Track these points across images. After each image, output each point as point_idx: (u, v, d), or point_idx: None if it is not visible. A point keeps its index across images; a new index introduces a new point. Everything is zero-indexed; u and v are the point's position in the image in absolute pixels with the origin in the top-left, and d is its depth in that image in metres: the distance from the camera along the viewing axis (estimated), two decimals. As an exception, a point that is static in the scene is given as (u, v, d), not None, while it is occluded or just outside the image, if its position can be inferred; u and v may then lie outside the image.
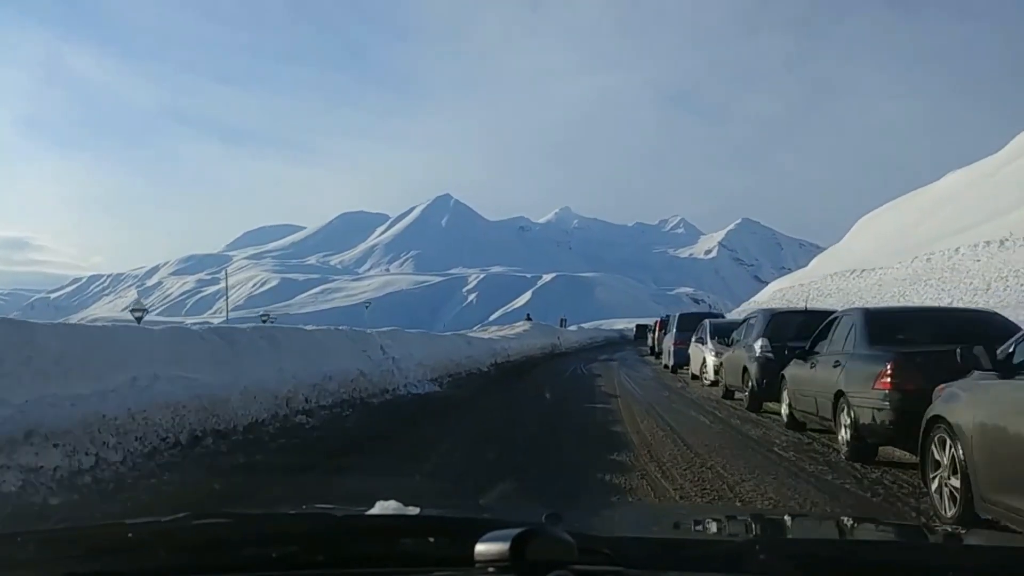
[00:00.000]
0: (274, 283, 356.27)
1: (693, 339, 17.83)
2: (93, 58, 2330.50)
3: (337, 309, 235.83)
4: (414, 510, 1.41)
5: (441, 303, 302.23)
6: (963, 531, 2.12)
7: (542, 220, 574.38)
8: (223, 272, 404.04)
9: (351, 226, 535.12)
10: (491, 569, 1.05)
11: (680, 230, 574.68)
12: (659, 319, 31.11)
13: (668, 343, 21.73)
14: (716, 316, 21.98)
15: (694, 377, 17.05)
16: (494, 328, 36.99)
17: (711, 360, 15.36)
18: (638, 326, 53.10)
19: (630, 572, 1.11)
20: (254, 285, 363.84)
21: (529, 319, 40.20)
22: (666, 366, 21.28)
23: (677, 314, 23.22)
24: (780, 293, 52.40)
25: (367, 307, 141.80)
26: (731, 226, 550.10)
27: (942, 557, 1.45)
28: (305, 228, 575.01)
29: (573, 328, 55.48)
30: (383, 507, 1.42)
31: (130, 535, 1.34)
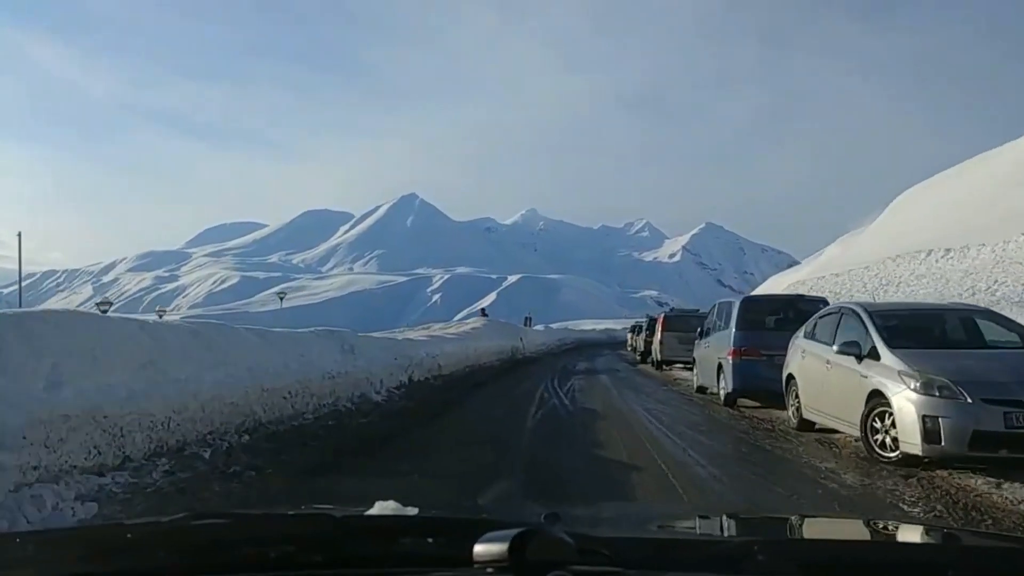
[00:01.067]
0: (234, 281, 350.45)
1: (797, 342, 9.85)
2: (51, 47, 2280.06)
3: (299, 308, 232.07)
4: (413, 510, 1.40)
5: (405, 303, 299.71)
6: (962, 531, 2.12)
7: (508, 221, 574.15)
8: (181, 269, 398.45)
9: (314, 224, 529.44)
10: (490, 569, 1.04)
11: (645, 233, 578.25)
12: (661, 314, 23.99)
13: (715, 351, 12.77)
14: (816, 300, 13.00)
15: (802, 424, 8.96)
16: (439, 325, 27.41)
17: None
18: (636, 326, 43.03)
19: (629, 573, 1.11)
20: (214, 283, 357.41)
21: (484, 315, 34.04)
22: (701, 388, 13.81)
23: (739, 300, 13.12)
24: (802, 286, 36.78)
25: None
26: (695, 230, 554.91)
27: (940, 557, 1.43)
28: (267, 226, 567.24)
29: (540, 328, 49.39)
30: (382, 507, 1.41)
31: (129, 535, 1.34)
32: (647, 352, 24.99)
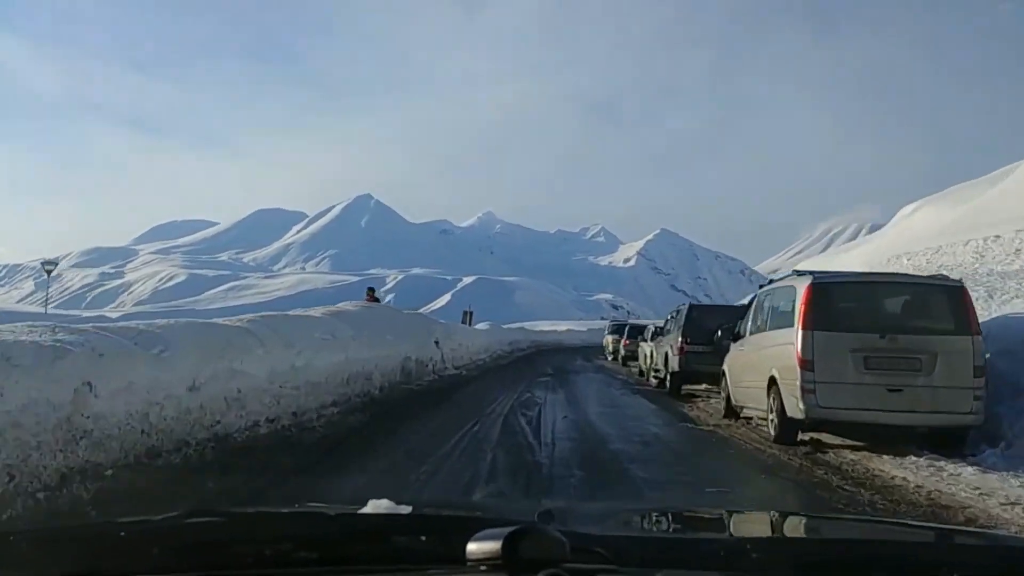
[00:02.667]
0: (182, 278, 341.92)
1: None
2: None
3: (247, 306, 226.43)
4: (406, 509, 1.40)
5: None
6: (956, 530, 2.08)
7: (465, 224, 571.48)
8: (127, 266, 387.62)
9: (266, 223, 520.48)
10: (483, 567, 1.04)
11: (601, 238, 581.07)
12: (682, 307, 16.53)
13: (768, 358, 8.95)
14: None
15: None
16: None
17: None
18: (618, 327, 32.58)
19: (622, 571, 1.10)
20: (160, 280, 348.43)
21: (373, 298, 19.08)
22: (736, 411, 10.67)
23: (808, 283, 8.55)
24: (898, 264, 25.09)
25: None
26: (650, 236, 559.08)
27: (933, 556, 1.44)
28: (218, 224, 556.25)
29: (483, 326, 34.93)
30: (375, 506, 1.40)
31: (122, 534, 1.33)
32: (625, 358, 25.30)
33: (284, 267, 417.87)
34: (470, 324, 34.43)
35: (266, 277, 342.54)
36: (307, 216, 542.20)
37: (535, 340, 39.81)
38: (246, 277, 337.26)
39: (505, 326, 44.53)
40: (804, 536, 1.77)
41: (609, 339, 32.49)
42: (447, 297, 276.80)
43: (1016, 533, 4.33)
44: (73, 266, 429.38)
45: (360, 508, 1.40)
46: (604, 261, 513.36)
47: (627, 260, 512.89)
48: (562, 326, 70.42)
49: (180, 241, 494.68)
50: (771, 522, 2.01)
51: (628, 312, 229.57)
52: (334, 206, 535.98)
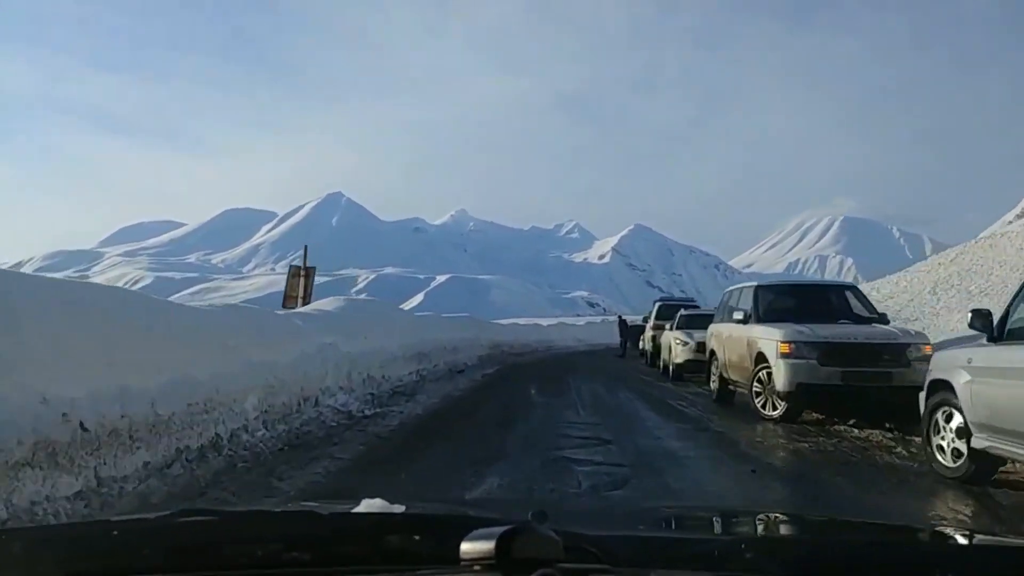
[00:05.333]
0: (148, 281, 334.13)
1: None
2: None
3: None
4: (400, 508, 1.41)
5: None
6: (953, 531, 2.11)
7: (438, 222, 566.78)
8: (92, 269, 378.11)
9: (235, 223, 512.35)
10: (477, 567, 1.04)
11: (575, 235, 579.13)
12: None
13: None
14: None
15: None
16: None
17: None
18: (629, 325, 27.66)
19: (616, 570, 1.11)
20: (126, 283, 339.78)
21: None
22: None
23: None
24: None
25: None
26: (624, 232, 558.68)
27: (930, 557, 1.44)
28: (186, 224, 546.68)
29: (425, 317, 20.90)
30: (369, 505, 1.42)
31: (115, 533, 1.33)
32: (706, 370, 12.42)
33: (254, 268, 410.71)
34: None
35: (235, 279, 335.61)
36: (277, 215, 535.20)
37: (511, 342, 27.37)
38: (215, 279, 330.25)
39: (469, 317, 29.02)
40: (799, 536, 1.77)
41: (675, 340, 15.76)
42: (420, 296, 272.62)
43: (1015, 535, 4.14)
44: (36, 270, 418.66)
45: (353, 507, 1.41)
46: (579, 258, 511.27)
47: (602, 257, 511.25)
48: (546, 321, 50.70)
49: (147, 243, 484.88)
50: (766, 522, 2.02)
51: (604, 309, 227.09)
52: (304, 205, 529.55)
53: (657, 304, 22.78)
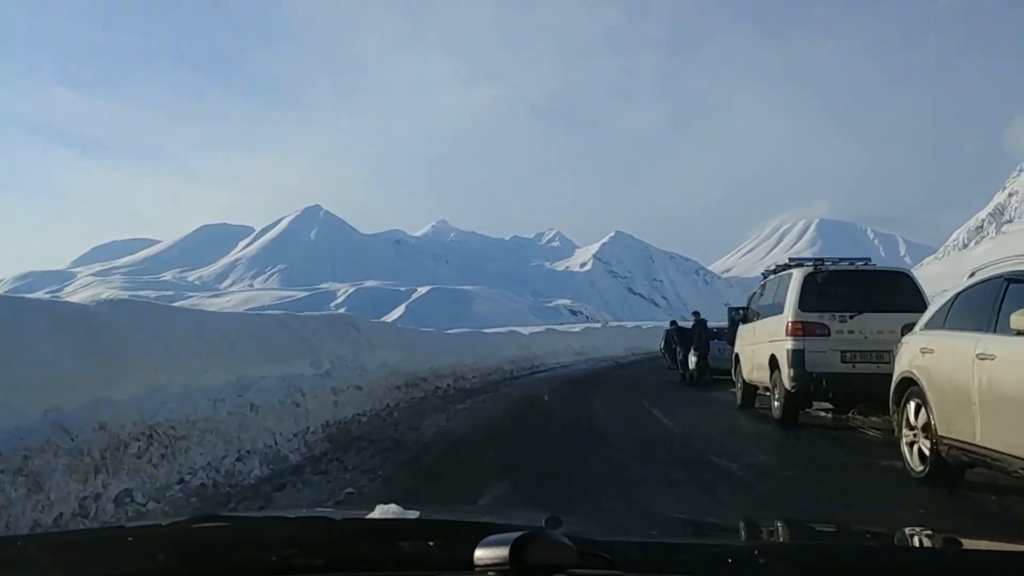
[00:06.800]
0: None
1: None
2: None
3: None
4: (414, 513, 1.39)
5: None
6: (965, 537, 2.06)
7: (419, 233, 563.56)
8: (65, 289, 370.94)
9: (212, 240, 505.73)
10: (491, 573, 1.03)
11: (556, 243, 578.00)
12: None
13: None
14: None
15: None
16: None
17: None
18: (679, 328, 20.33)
19: None
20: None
21: None
22: None
23: None
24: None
25: None
26: (605, 239, 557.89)
27: (939, 562, 1.43)
28: (161, 242, 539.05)
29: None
30: (383, 510, 1.40)
31: (130, 539, 1.33)
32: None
33: (231, 284, 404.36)
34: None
35: (211, 296, 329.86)
36: (254, 230, 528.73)
37: (485, 368, 18.00)
38: (190, 296, 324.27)
39: (455, 330, 22.92)
40: (811, 542, 1.75)
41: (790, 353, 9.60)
42: (401, 309, 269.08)
43: None
44: (6, 292, 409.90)
45: (367, 513, 1.40)
46: (560, 266, 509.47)
47: (583, 264, 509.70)
48: (539, 328, 37.38)
49: (121, 261, 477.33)
50: (778, 528, 1.99)
51: (587, 317, 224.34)
52: (282, 219, 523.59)
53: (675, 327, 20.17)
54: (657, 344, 25.68)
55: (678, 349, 19.37)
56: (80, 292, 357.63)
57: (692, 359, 17.45)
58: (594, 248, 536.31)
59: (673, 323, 21.65)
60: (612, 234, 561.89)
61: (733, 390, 12.96)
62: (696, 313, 18.93)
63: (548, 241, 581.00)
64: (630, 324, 41.53)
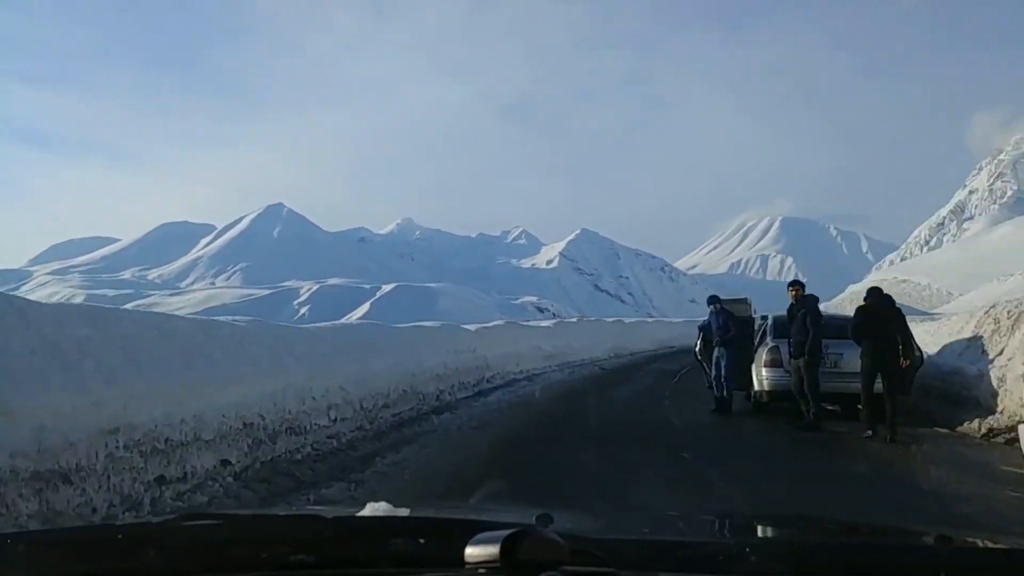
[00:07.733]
0: (79, 300, 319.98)
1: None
2: None
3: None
4: (404, 511, 1.39)
5: (268, 317, 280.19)
6: (957, 534, 2.02)
7: (383, 231, 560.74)
8: (21, 289, 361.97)
9: (172, 237, 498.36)
10: (481, 570, 1.03)
11: (522, 240, 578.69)
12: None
13: None
14: None
15: None
16: None
17: None
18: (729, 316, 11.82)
19: (621, 573, 1.10)
20: (56, 302, 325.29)
21: None
22: None
23: None
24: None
25: None
26: (571, 236, 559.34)
27: (933, 559, 1.43)
28: (120, 240, 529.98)
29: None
30: (374, 508, 1.39)
31: (120, 536, 1.32)
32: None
33: (193, 283, 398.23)
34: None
35: (172, 294, 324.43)
36: (216, 228, 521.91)
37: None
38: (150, 295, 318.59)
39: (429, 323, 17.81)
40: (804, 540, 1.75)
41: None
42: (366, 307, 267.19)
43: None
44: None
45: (358, 511, 1.39)
46: (527, 264, 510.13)
47: (549, 262, 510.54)
48: (472, 326, 31.25)
49: (78, 260, 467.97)
50: (771, 526, 1.98)
51: (553, 314, 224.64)
52: (244, 217, 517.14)
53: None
54: (644, 343, 21.73)
55: (722, 355, 11.30)
56: (37, 291, 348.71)
57: (770, 376, 10.29)
58: (560, 246, 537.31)
59: (716, 301, 12.08)
60: (578, 232, 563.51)
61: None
62: (718, 302, 11.97)
63: (514, 239, 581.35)
64: (610, 319, 33.59)
